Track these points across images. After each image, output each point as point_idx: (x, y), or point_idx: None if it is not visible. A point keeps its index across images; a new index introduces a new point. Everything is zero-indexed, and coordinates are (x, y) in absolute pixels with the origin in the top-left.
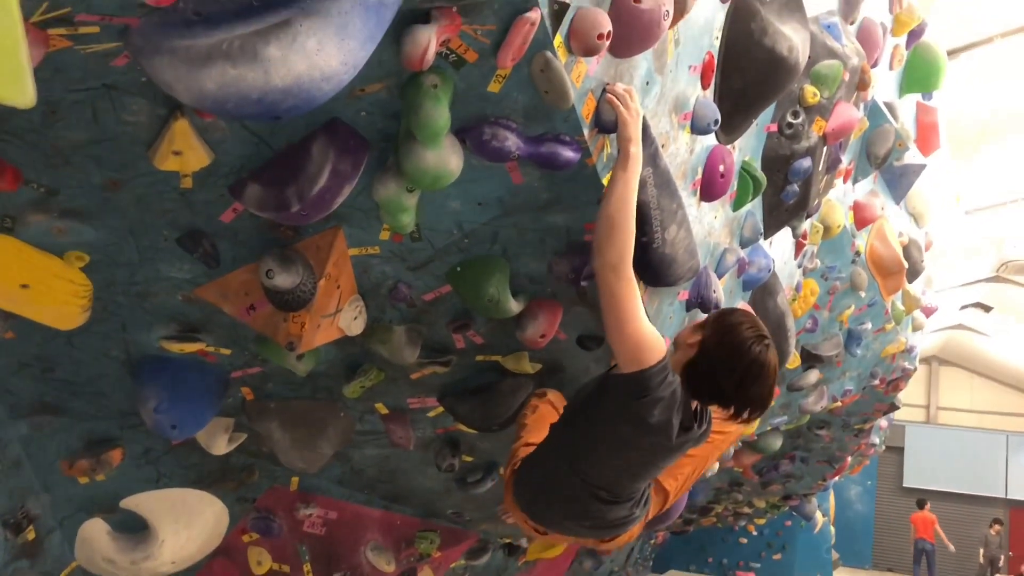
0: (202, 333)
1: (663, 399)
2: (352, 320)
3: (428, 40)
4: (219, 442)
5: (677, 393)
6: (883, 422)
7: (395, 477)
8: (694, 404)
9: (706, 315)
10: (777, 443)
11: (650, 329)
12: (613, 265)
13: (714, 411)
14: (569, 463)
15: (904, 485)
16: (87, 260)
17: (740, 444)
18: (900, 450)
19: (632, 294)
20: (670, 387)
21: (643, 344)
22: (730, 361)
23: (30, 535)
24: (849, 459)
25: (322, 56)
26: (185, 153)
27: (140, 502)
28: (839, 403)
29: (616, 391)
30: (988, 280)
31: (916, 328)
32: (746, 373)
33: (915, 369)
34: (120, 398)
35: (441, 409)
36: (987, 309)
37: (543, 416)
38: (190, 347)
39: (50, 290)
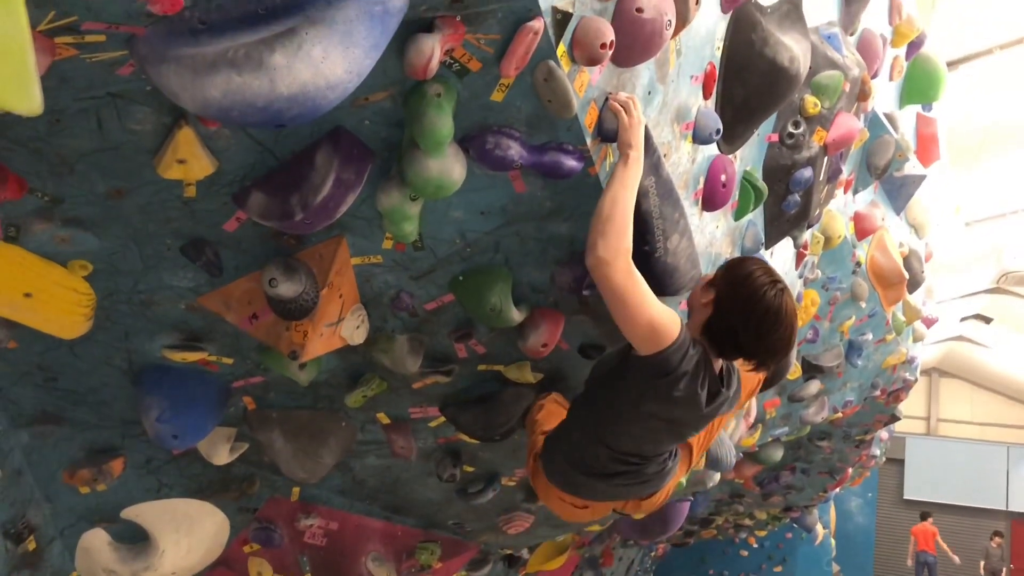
0: (204, 342)
1: (687, 373)
2: (354, 329)
3: (432, 49)
4: (221, 452)
5: (701, 363)
6: (884, 434)
7: (396, 487)
8: (718, 366)
9: (715, 271)
10: (778, 454)
11: (660, 310)
12: (607, 260)
13: (739, 364)
14: (595, 436)
15: (905, 497)
16: (90, 269)
17: (741, 455)
18: (901, 462)
19: (634, 283)
20: (692, 360)
21: (657, 326)
22: (746, 312)
23: (31, 545)
24: (850, 471)
25: (327, 64)
26: (189, 162)
27: (141, 512)
28: (840, 414)
29: (638, 372)
30: (988, 291)
31: (917, 339)
32: (763, 321)
33: (916, 380)
34: (122, 407)
35: (443, 419)
36: (987, 320)
37: (551, 411)
38: (192, 356)
39: (53, 299)
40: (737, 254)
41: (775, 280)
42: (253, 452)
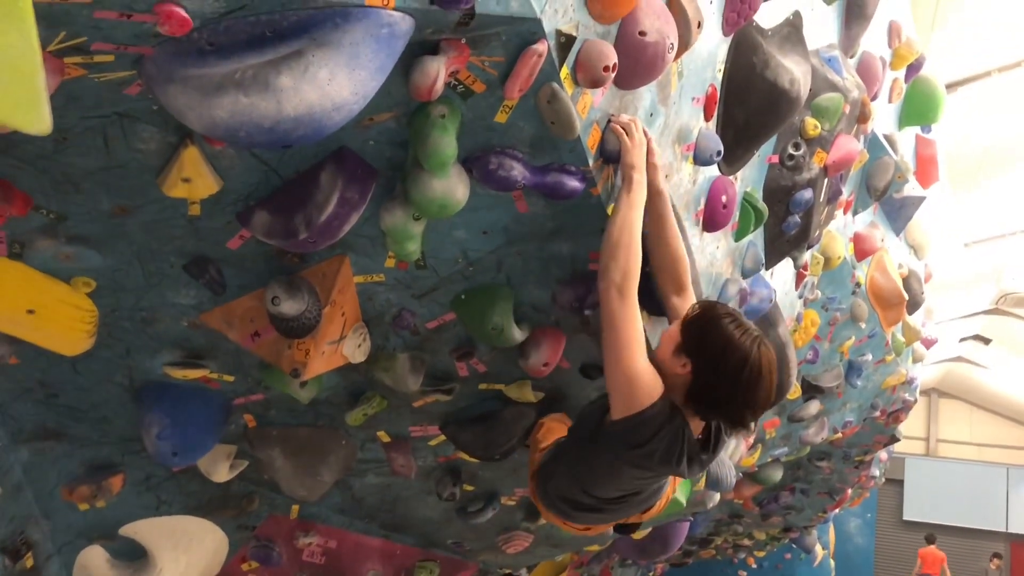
0: (206, 359)
1: (657, 451)
2: (356, 347)
3: (437, 71)
4: (221, 469)
5: (677, 439)
6: (883, 454)
7: (395, 506)
8: (699, 428)
9: (679, 331)
10: (777, 475)
11: (646, 367)
12: (617, 284)
13: None
14: (580, 488)
15: (904, 518)
16: (93, 286)
17: (741, 475)
18: (900, 483)
19: (632, 320)
20: (664, 439)
21: (635, 381)
22: (731, 378)
23: (28, 562)
24: (849, 491)
25: (333, 86)
26: (194, 180)
27: (139, 529)
28: (840, 435)
29: (612, 439)
30: (987, 312)
31: (916, 360)
32: (749, 383)
33: (915, 401)
34: (122, 424)
35: (443, 437)
36: (986, 341)
37: (552, 429)
38: (194, 373)
39: (56, 316)
40: (738, 274)
41: (748, 330)
42: (253, 470)
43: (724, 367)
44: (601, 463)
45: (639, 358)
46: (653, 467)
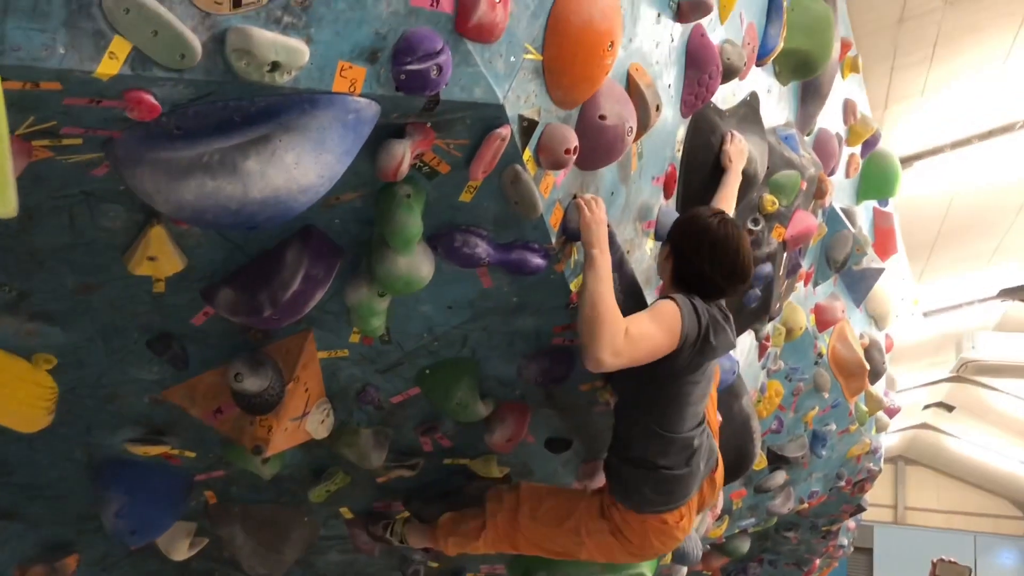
0: (167, 436)
1: (707, 343)
2: (319, 423)
3: (403, 153)
4: (180, 547)
5: (706, 320)
6: (851, 523)
7: None
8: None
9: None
10: (745, 546)
11: (664, 326)
12: (604, 361)
13: None
14: (662, 433)
15: None
16: (55, 363)
17: (708, 547)
18: (870, 551)
19: (639, 346)
20: (702, 308)
21: (671, 332)
22: (702, 248)
23: None
24: (818, 561)
25: (300, 170)
26: (160, 259)
27: None
28: (806, 504)
29: (677, 356)
30: (949, 380)
31: (880, 429)
32: (720, 249)
33: (880, 470)
34: (79, 502)
35: (407, 513)
36: (949, 409)
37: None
38: (155, 450)
39: (15, 393)
40: None
41: (716, 212)
42: (213, 547)
43: (697, 238)
44: (664, 392)
45: (661, 334)
46: (710, 357)
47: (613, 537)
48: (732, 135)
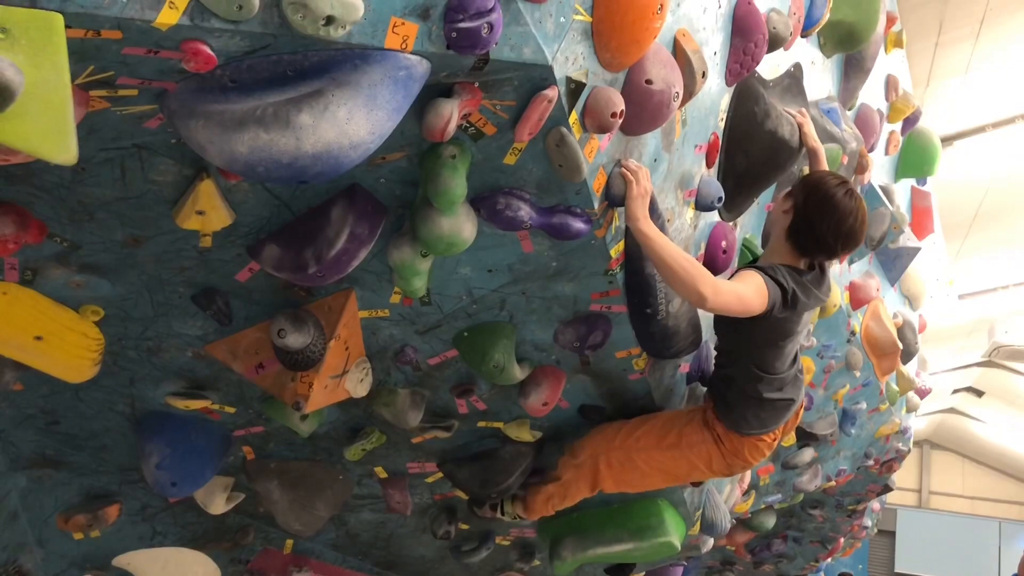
0: (209, 390)
1: (796, 304)
2: (358, 382)
3: (450, 113)
4: (218, 501)
5: (796, 286)
6: (876, 504)
7: (390, 543)
8: (804, 266)
9: (792, 186)
10: (771, 522)
11: (746, 289)
12: (706, 296)
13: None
14: (761, 375)
15: (896, 570)
16: (102, 314)
17: (734, 521)
18: (892, 534)
19: (732, 291)
20: (790, 293)
21: (764, 294)
22: (822, 208)
23: None
24: (842, 540)
25: (352, 125)
26: (208, 213)
27: (132, 560)
28: (833, 483)
29: (761, 329)
30: (980, 364)
31: (910, 409)
32: (838, 213)
33: (909, 451)
34: (121, 453)
35: (440, 475)
36: (979, 394)
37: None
38: (196, 404)
39: (63, 343)
40: None
41: (842, 181)
42: (249, 503)
43: (819, 199)
44: (762, 337)
45: (750, 295)
46: (801, 310)
47: (716, 446)
48: (801, 112)
